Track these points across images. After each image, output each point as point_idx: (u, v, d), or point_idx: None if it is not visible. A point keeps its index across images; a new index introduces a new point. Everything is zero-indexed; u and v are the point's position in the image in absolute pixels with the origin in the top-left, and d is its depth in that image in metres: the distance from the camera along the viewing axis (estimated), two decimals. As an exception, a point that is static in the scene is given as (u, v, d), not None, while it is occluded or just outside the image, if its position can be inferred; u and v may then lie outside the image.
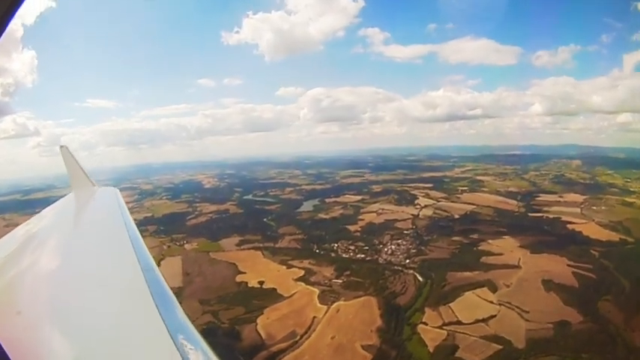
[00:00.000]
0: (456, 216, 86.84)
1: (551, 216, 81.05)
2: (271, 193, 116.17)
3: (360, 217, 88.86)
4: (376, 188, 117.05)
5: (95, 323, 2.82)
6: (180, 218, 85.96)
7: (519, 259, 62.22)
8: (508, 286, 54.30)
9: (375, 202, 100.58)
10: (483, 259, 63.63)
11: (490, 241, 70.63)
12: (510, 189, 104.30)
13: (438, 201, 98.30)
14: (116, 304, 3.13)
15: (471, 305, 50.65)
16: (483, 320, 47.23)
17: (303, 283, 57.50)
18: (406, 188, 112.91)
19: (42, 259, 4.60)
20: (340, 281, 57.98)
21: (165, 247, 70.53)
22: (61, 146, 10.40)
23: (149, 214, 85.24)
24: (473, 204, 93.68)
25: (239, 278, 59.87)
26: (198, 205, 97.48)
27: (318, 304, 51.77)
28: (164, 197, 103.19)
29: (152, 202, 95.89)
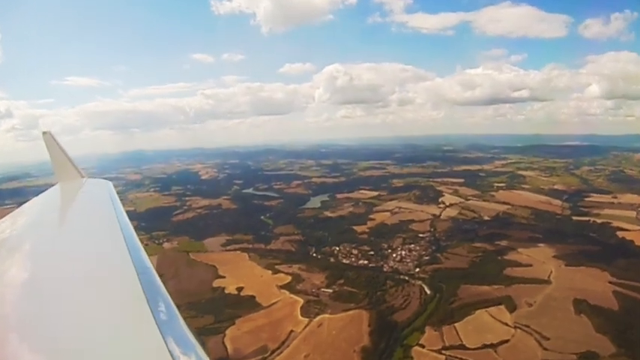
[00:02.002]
0: (485, 218, 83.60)
1: (599, 220, 76.28)
2: (275, 187, 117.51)
3: (372, 216, 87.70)
4: (397, 183, 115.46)
5: (84, 330, 2.88)
6: (165, 213, 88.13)
7: (551, 272, 58.67)
8: (530, 306, 51.17)
9: (392, 199, 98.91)
10: (507, 270, 60.49)
11: (520, 249, 67.24)
12: (556, 186, 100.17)
13: (467, 199, 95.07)
14: (108, 310, 3.17)
15: (480, 326, 48.16)
16: (492, 346, 44.62)
17: (287, 291, 57.25)
18: (432, 183, 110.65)
19: (24, 261, 4.75)
20: (330, 291, 57.22)
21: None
22: (44, 132, 10.33)
23: (131, 208, 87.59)
24: (508, 204, 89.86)
25: (217, 283, 60.54)
26: (188, 199, 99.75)
27: (300, 317, 51.22)
28: (152, 189, 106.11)
29: (137, 194, 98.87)
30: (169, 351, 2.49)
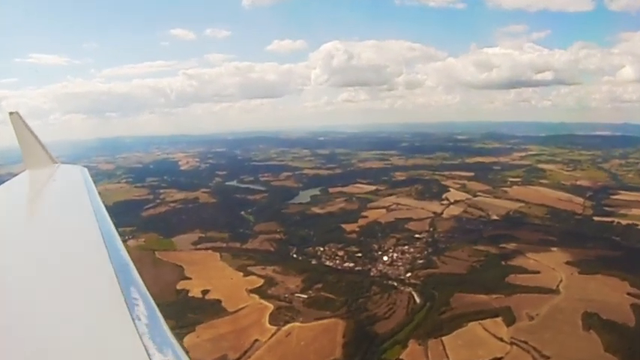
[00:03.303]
0: (494, 217, 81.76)
1: (625, 222, 73.81)
2: (262, 179, 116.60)
3: (365, 213, 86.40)
4: (399, 176, 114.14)
5: (54, 330, 2.91)
6: (135, 207, 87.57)
7: (561, 280, 56.76)
8: (532, 319, 49.37)
9: (391, 195, 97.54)
10: (510, 278, 58.75)
11: (529, 253, 65.40)
12: (580, 182, 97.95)
13: (475, 195, 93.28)
14: (81, 309, 3.21)
15: (471, 341, 46.58)
16: (482, 364, 43.43)
17: (257, 296, 56.41)
18: (438, 177, 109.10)
19: None
20: (305, 296, 56.22)
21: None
22: (11, 113, 10.48)
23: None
24: (522, 201, 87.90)
25: (181, 285, 59.85)
26: (162, 191, 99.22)
27: (267, 324, 50.44)
28: (124, 180, 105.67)
29: (107, 185, 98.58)
30: (146, 350, 2.52)
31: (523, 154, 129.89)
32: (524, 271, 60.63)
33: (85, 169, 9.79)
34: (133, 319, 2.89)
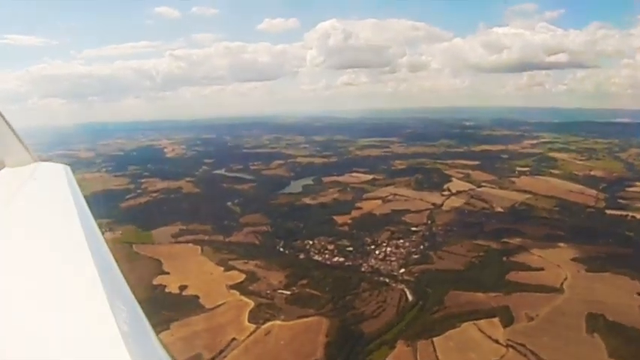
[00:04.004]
0: (498, 209, 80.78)
1: (639, 216, 72.84)
2: (252, 167, 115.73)
3: (359, 204, 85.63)
4: (399, 165, 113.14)
5: (35, 340, 2.89)
6: (114, 198, 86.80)
7: (565, 278, 55.93)
8: (531, 319, 48.64)
9: (388, 185, 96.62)
10: (511, 275, 58.04)
11: (533, 249, 64.52)
12: (594, 172, 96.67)
13: (480, 186, 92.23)
14: (63, 319, 3.20)
15: (464, 343, 45.97)
16: (473, 368, 42.95)
17: (237, 292, 55.96)
18: (440, 166, 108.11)
19: None
20: (288, 293, 55.77)
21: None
22: None
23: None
24: (529, 192, 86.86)
25: (158, 280, 59.43)
26: (144, 180, 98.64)
27: (246, 322, 50.11)
28: (104, 169, 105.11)
29: (85, 174, 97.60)
30: (129, 353, 2.59)
31: (534, 141, 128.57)
32: (527, 268, 59.83)
33: (68, 168, 9.62)
34: (118, 325, 2.88)
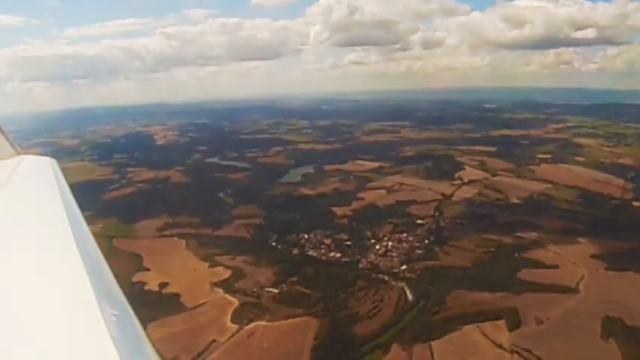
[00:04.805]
0: (513, 200, 79.84)
1: (670, 209, 71.37)
2: (249, 155, 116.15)
3: (361, 194, 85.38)
4: (408, 151, 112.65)
5: (22, 339, 3.02)
6: (97, 189, 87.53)
7: (582, 277, 55.05)
8: (541, 323, 47.82)
9: (395, 173, 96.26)
10: (523, 273, 57.22)
11: (550, 245, 63.61)
12: (622, 160, 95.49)
13: (495, 175, 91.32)
14: (50, 322, 3.29)
15: (464, 347, 45.42)
16: (472, 375, 42.48)
17: (221, 290, 56.13)
18: (453, 152, 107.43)
19: None
20: (276, 291, 55.76)
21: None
22: None
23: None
24: (550, 182, 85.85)
25: (137, 277, 59.73)
26: (130, 170, 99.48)
27: (229, 323, 50.22)
28: (87, 158, 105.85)
29: (67, 164, 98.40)
30: (118, 352, 2.67)
31: (559, 125, 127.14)
32: (541, 265, 59.02)
33: (55, 161, 9.70)
34: (109, 331, 2.95)
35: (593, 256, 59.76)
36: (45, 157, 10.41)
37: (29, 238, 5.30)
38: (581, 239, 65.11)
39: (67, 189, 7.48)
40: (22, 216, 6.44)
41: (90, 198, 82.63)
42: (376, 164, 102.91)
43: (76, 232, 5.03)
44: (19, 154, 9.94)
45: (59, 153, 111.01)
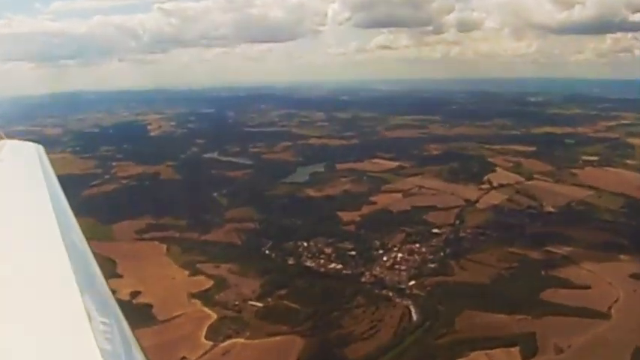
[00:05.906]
0: (548, 208, 78.53)
1: None
2: (252, 150, 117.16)
3: (374, 198, 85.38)
4: (434, 149, 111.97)
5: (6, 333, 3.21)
6: (76, 184, 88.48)
7: (616, 300, 53.71)
8: (560, 351, 46.76)
9: (415, 175, 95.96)
10: (548, 293, 56.32)
11: (584, 261, 62.38)
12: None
13: (530, 178, 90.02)
14: (33, 311, 3.58)
15: (469, 377, 45.25)
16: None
17: (199, 302, 56.70)
18: (485, 152, 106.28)
19: None
20: (261, 305, 56.08)
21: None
22: None
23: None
24: (593, 188, 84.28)
25: (108, 284, 60.60)
26: (115, 164, 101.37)
27: (203, 339, 50.65)
28: (69, 149, 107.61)
29: (46, 156, 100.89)
30: (100, 350, 2.87)
31: (611, 123, 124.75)
32: (570, 284, 58.03)
33: (41, 147, 10.53)
34: (90, 319, 3.20)
35: (632, 276, 58.28)
36: (30, 143, 11.31)
37: (8, 233, 5.41)
38: (621, 256, 63.68)
39: (54, 177, 7.89)
40: (3, 207, 6.49)
41: (69, 195, 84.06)
42: (395, 164, 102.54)
43: (61, 224, 5.21)
44: (2, 139, 10.56)
45: (40, 143, 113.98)
